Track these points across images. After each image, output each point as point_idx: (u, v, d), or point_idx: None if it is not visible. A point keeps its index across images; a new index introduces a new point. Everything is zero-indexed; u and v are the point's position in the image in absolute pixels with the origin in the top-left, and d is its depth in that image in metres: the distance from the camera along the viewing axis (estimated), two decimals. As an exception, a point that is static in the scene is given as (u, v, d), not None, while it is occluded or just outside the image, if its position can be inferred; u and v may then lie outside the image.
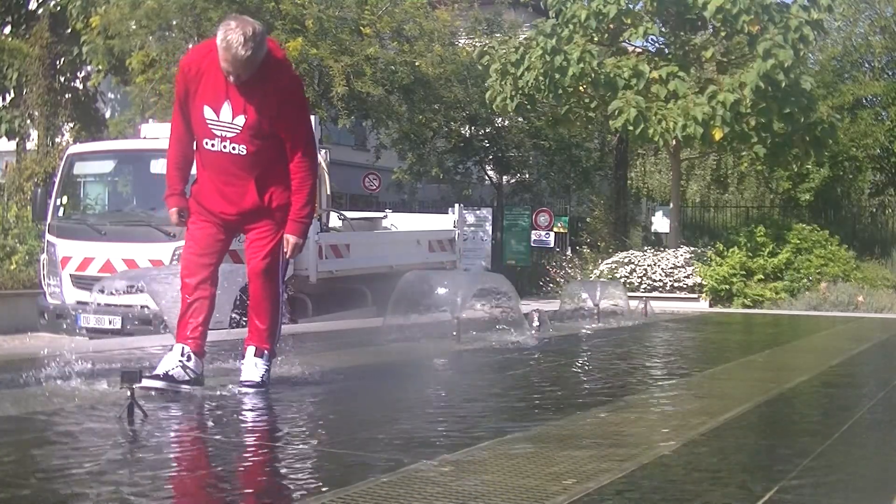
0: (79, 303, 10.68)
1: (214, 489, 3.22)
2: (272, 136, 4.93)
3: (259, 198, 4.97)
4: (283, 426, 4.37)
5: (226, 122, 4.85)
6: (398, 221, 15.53)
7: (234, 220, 5.06)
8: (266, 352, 5.08)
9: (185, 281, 5.00)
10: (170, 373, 4.82)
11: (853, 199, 24.44)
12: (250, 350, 5.06)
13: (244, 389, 4.97)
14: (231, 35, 4.63)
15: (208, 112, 4.86)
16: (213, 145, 4.90)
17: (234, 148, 4.87)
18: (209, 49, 4.88)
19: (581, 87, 16.16)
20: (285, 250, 5.06)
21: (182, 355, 4.87)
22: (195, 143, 5.01)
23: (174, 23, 17.75)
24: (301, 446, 3.92)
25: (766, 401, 5.34)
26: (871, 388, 6.43)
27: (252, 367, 5.03)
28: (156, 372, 4.81)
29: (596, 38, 16.53)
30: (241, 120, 4.84)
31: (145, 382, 4.56)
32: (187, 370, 4.85)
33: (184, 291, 5.00)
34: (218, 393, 4.91)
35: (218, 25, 4.86)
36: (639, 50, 17.51)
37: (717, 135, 15.35)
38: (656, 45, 18.08)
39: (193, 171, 5.14)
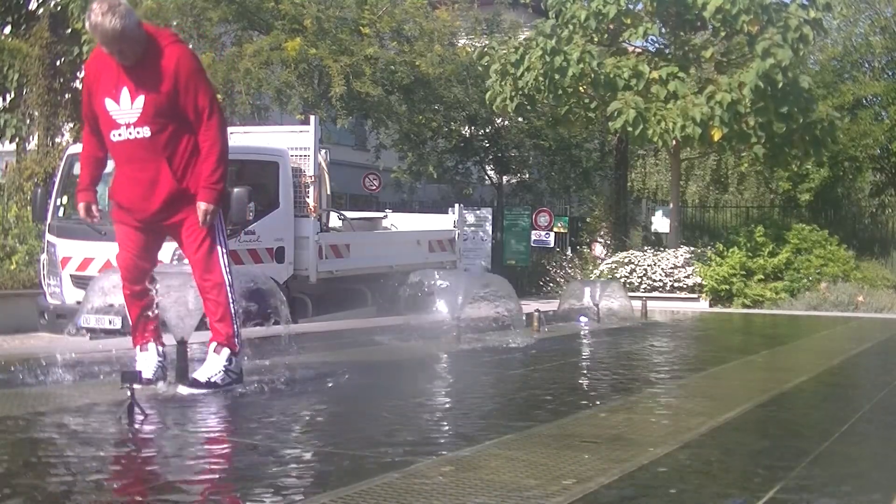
0: (79, 303, 10.65)
1: (214, 489, 3.22)
2: (177, 116, 4.88)
3: (175, 181, 4.90)
4: (283, 426, 4.37)
5: (126, 108, 4.86)
6: (398, 221, 15.50)
7: (153, 213, 4.96)
8: (225, 348, 5.02)
9: (133, 288, 5.03)
10: (155, 375, 5.05)
11: (853, 199, 24.43)
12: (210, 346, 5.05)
13: (196, 390, 4.94)
14: (93, 17, 4.69)
15: (110, 104, 4.89)
16: (119, 135, 4.90)
17: (138, 132, 4.87)
18: (101, 50, 4.94)
19: (581, 88, 16.16)
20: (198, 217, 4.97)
21: (160, 356, 5.11)
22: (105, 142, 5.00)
23: (174, 23, 17.72)
24: (301, 446, 3.92)
25: (766, 401, 5.33)
26: (871, 388, 6.43)
27: (213, 364, 5.02)
28: (145, 377, 4.88)
29: (596, 39, 16.53)
30: (140, 101, 4.84)
31: (137, 388, 4.58)
32: (165, 368, 5.14)
33: (131, 297, 5.06)
34: (215, 393, 4.92)
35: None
36: (638, 50, 17.51)
37: (716, 135, 15.36)
38: (656, 45, 18.09)
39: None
